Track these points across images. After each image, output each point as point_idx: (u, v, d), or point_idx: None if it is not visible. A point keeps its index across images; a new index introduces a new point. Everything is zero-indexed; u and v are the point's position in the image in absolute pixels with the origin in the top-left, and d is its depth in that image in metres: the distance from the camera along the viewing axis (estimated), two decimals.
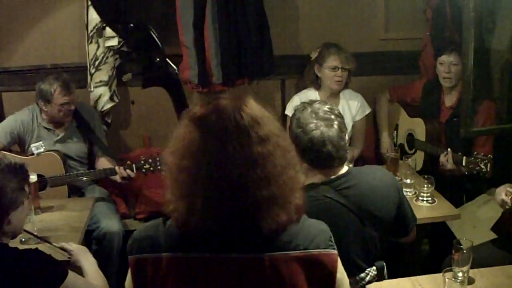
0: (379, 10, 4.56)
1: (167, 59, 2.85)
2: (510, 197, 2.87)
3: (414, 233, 2.65)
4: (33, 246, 2.41)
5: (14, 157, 3.42)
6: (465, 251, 2.31)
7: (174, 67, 2.88)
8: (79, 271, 2.50)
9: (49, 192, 3.65)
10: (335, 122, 2.35)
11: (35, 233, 2.85)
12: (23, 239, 2.84)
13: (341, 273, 1.72)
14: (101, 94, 4.12)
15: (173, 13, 4.00)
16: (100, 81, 4.09)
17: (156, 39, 2.81)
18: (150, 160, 3.65)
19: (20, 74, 4.24)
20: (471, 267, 2.34)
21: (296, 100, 4.07)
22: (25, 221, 2.46)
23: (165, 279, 1.61)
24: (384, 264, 2.49)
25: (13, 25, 4.19)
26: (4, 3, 4.14)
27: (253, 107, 1.60)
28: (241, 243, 1.58)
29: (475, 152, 3.42)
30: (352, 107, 4.11)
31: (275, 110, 4.54)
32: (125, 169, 3.65)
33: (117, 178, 3.71)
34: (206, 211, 1.53)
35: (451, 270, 2.31)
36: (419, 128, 4.07)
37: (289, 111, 4.09)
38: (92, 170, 3.82)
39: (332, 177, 2.37)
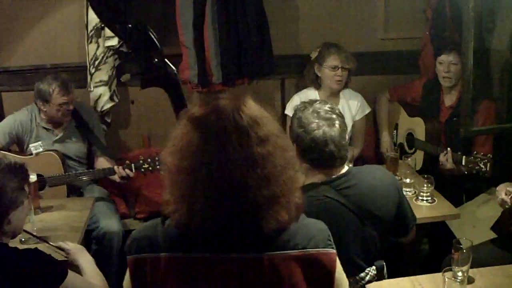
0: (379, 9, 4.56)
1: (165, 60, 2.84)
2: (509, 197, 2.87)
3: (414, 233, 2.66)
4: (32, 246, 2.41)
5: (13, 157, 3.42)
6: (464, 251, 2.32)
7: (173, 67, 2.88)
8: (77, 270, 2.50)
9: (48, 192, 3.65)
10: (337, 122, 2.35)
11: (34, 233, 2.85)
12: (23, 239, 2.84)
13: (340, 273, 1.72)
14: (101, 94, 4.12)
15: (172, 13, 4.00)
16: (100, 81, 4.09)
17: (155, 39, 2.80)
18: (149, 160, 3.65)
19: (20, 74, 4.24)
20: (471, 267, 2.34)
21: (296, 100, 4.07)
22: (25, 221, 2.46)
23: (164, 279, 1.61)
24: (384, 263, 2.49)
25: (13, 25, 4.19)
26: (4, 3, 4.14)
27: (252, 107, 1.60)
28: (241, 243, 1.58)
29: (475, 152, 3.42)
30: (352, 107, 4.11)
31: (275, 110, 4.55)
32: (124, 169, 3.65)
33: (116, 177, 3.71)
34: (206, 211, 1.53)
35: (450, 270, 2.31)
36: (418, 127, 4.08)
37: (289, 111, 4.10)
38: (91, 170, 3.82)
39: (332, 177, 2.37)
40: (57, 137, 3.84)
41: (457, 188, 3.88)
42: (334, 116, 2.37)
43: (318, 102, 2.44)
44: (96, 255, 3.49)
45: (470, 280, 2.37)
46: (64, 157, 3.78)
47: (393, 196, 2.44)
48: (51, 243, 2.74)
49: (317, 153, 2.32)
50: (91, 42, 4.03)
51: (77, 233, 3.01)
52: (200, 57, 4.01)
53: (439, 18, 4.30)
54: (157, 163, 3.62)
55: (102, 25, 3.92)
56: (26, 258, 2.19)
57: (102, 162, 3.92)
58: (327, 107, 2.40)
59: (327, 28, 4.50)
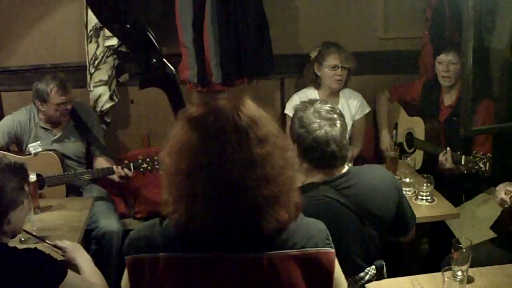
0: (379, 9, 4.56)
1: (164, 60, 2.84)
2: (509, 196, 2.87)
3: (414, 232, 2.66)
4: (32, 246, 2.41)
5: (12, 157, 3.42)
6: (464, 250, 2.32)
7: (172, 68, 2.88)
8: (75, 268, 2.50)
9: (47, 192, 3.65)
10: (338, 122, 2.36)
11: (34, 233, 2.85)
12: (22, 239, 2.84)
13: (338, 273, 1.72)
14: (100, 94, 4.12)
15: (172, 12, 4.00)
16: (100, 81, 4.09)
17: (153, 39, 2.79)
18: (148, 159, 3.65)
19: (20, 74, 4.24)
20: (471, 266, 2.34)
21: (295, 99, 4.07)
22: (25, 221, 2.46)
23: (163, 279, 1.61)
24: (384, 263, 2.49)
25: (13, 24, 4.19)
26: (4, 3, 4.14)
27: (250, 107, 1.60)
28: (241, 242, 1.58)
29: (474, 151, 3.42)
30: (351, 106, 4.11)
31: (275, 110, 4.55)
32: (122, 168, 3.65)
33: (115, 177, 3.71)
34: (206, 211, 1.52)
35: (450, 269, 2.31)
36: (418, 127, 4.08)
37: (288, 110, 4.10)
38: (90, 170, 3.82)
39: (333, 176, 2.37)
40: (56, 137, 3.84)
41: (456, 187, 3.87)
42: (335, 116, 2.37)
43: (318, 102, 2.43)
44: (96, 255, 3.50)
45: (470, 280, 2.37)
46: (63, 157, 3.78)
47: (393, 195, 2.44)
48: (48, 242, 2.74)
49: (319, 153, 2.32)
50: (90, 41, 4.03)
51: (77, 232, 3.01)
52: (200, 57, 4.01)
53: (438, 17, 4.30)
54: (156, 162, 3.62)
55: (102, 25, 3.92)
56: (25, 258, 2.19)
57: (101, 162, 3.92)
58: (328, 106, 2.40)
59: (327, 27, 4.50)
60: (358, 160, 4.14)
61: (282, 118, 4.31)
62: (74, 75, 4.21)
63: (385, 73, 4.66)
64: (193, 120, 1.58)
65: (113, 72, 4.13)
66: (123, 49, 4.04)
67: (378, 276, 2.46)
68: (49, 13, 4.20)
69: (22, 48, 4.25)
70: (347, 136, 2.43)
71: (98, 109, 4.16)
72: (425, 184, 3.32)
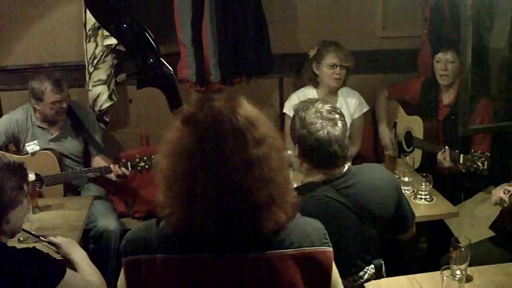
0: (377, 8, 4.56)
1: (162, 60, 2.84)
2: (508, 195, 2.88)
3: (413, 230, 2.66)
4: (31, 245, 2.41)
5: (10, 157, 3.43)
6: (463, 249, 2.32)
7: (169, 67, 2.88)
8: (70, 264, 2.50)
9: (44, 191, 3.65)
10: (339, 121, 2.36)
11: (33, 232, 2.85)
12: (21, 238, 2.83)
13: (335, 272, 1.72)
14: (99, 93, 4.12)
15: (171, 11, 3.99)
16: (99, 80, 4.09)
17: (151, 39, 2.79)
18: (145, 158, 3.64)
19: (18, 73, 4.24)
20: (469, 265, 2.35)
21: (294, 99, 4.07)
22: (24, 220, 2.46)
23: (160, 281, 1.60)
24: (382, 262, 2.49)
25: (11, 24, 4.18)
26: (3, 2, 4.13)
27: (247, 108, 1.59)
28: (240, 243, 1.57)
29: (472, 150, 3.42)
30: (350, 105, 4.11)
31: (273, 109, 4.56)
32: (120, 167, 3.65)
33: (112, 176, 3.71)
34: (205, 213, 1.52)
35: (449, 268, 2.31)
36: (417, 126, 4.08)
37: (287, 110, 4.09)
38: (87, 169, 3.81)
39: (333, 176, 2.37)
40: (53, 136, 3.84)
41: (455, 186, 3.88)
42: (336, 116, 2.37)
43: (319, 101, 2.43)
44: (94, 254, 3.50)
45: (469, 279, 2.38)
46: (60, 156, 3.78)
47: (392, 194, 2.45)
48: (42, 238, 2.73)
49: (321, 153, 2.33)
50: (89, 41, 4.02)
51: (76, 232, 3.01)
52: (198, 55, 4.01)
53: (437, 16, 4.30)
54: (153, 161, 3.61)
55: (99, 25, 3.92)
56: (24, 257, 2.19)
57: (98, 161, 3.93)
58: (329, 106, 2.40)
59: (326, 26, 4.50)
60: (358, 159, 4.15)
61: (281, 117, 4.31)
62: (73, 74, 4.21)
63: (384, 72, 4.67)
64: (190, 122, 1.56)
65: (112, 72, 4.13)
66: (121, 48, 4.03)
67: (377, 275, 2.46)
68: (48, 13, 4.20)
69: (21, 47, 4.24)
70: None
71: (97, 109, 4.16)
72: (424, 183, 3.32)
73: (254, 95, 4.41)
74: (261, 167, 1.53)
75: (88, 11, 3.91)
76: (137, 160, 3.65)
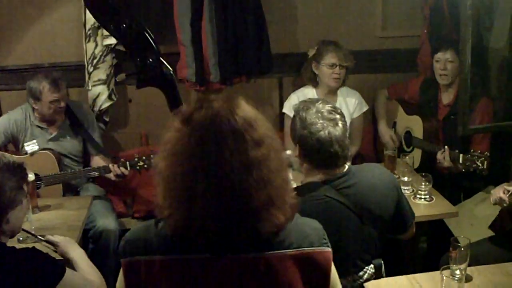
0: (377, 8, 4.56)
1: (161, 59, 2.83)
2: (507, 195, 2.88)
3: (413, 229, 2.66)
4: (30, 245, 2.41)
5: (10, 157, 3.43)
6: (462, 249, 2.32)
7: (169, 67, 2.87)
8: (68, 262, 2.50)
9: (43, 191, 3.64)
10: (340, 122, 2.36)
11: (33, 232, 2.85)
12: (21, 238, 2.83)
13: (334, 273, 1.72)
14: (99, 93, 4.12)
15: (171, 11, 3.99)
16: (98, 80, 4.09)
17: (151, 39, 2.78)
18: (144, 158, 3.64)
19: (18, 73, 4.24)
20: (469, 265, 2.35)
21: (293, 99, 4.07)
22: (23, 220, 2.46)
23: (159, 282, 1.60)
24: (382, 262, 2.49)
25: (11, 24, 4.18)
26: (3, 2, 4.13)
27: (245, 109, 1.58)
28: (239, 244, 1.57)
29: (472, 150, 3.42)
30: (349, 104, 4.11)
31: (273, 108, 4.56)
32: (119, 167, 3.65)
33: (111, 176, 3.71)
34: (205, 215, 1.51)
35: (449, 268, 2.31)
36: (416, 126, 4.08)
37: (286, 109, 4.09)
38: (86, 168, 3.82)
39: (333, 176, 2.37)
40: (52, 136, 3.84)
41: (455, 186, 3.88)
42: (337, 116, 2.37)
43: (320, 102, 2.43)
44: (93, 254, 3.50)
45: (468, 278, 2.38)
46: (59, 156, 3.78)
47: (392, 194, 2.45)
48: (40, 237, 2.73)
49: (322, 153, 2.33)
50: (89, 41, 4.02)
51: (75, 232, 3.01)
52: (198, 55, 4.01)
53: (436, 16, 4.30)
54: (151, 160, 3.61)
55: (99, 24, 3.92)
56: (24, 257, 2.19)
57: (97, 161, 3.93)
58: (329, 106, 2.40)
59: (325, 26, 4.50)
60: (357, 159, 4.15)
61: (281, 117, 4.31)
62: (73, 74, 4.22)
63: (383, 72, 4.66)
64: (189, 123, 1.55)
65: (112, 71, 4.13)
66: (121, 48, 4.03)
67: (377, 275, 2.46)
68: (48, 13, 4.20)
69: (21, 47, 4.24)
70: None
71: (96, 108, 4.16)
72: (423, 183, 3.32)
73: (254, 95, 4.42)
74: (260, 168, 1.52)
75: (87, 11, 3.91)
76: (136, 159, 3.65)
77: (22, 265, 2.15)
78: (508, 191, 2.87)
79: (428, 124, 4.01)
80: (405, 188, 3.34)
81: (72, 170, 3.78)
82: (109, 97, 4.15)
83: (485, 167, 3.27)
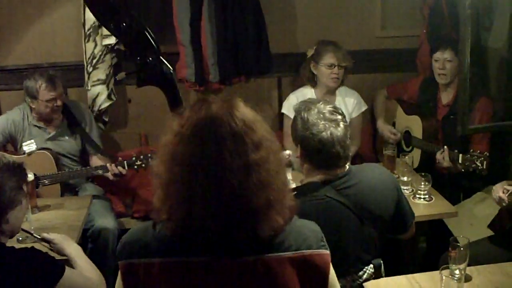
0: (376, 7, 4.56)
1: (161, 58, 2.84)
2: (507, 195, 2.88)
3: (413, 229, 2.66)
4: (29, 245, 2.41)
5: (10, 157, 3.43)
6: (462, 249, 2.32)
7: (169, 66, 2.87)
8: (67, 262, 2.50)
9: (41, 191, 3.64)
10: (341, 122, 2.36)
11: (32, 232, 2.85)
12: (20, 238, 2.83)
13: (332, 274, 1.71)
14: (98, 93, 4.11)
15: (170, 11, 3.99)
16: (98, 80, 4.09)
17: (151, 38, 2.79)
18: (142, 157, 3.64)
19: (17, 73, 4.23)
20: (468, 265, 2.35)
21: (292, 99, 4.07)
22: (23, 220, 2.46)
23: (158, 284, 1.59)
24: (381, 261, 2.49)
25: (10, 24, 4.18)
26: (2, 2, 4.13)
27: (244, 111, 1.57)
28: (238, 246, 1.56)
29: (471, 150, 3.42)
30: (348, 104, 4.10)
31: (272, 108, 4.56)
32: (116, 166, 3.65)
33: (109, 175, 3.71)
34: (203, 217, 1.50)
35: (448, 268, 2.31)
36: (416, 125, 4.08)
37: (285, 110, 4.10)
38: (84, 168, 3.82)
39: (333, 176, 2.37)
40: (50, 135, 3.84)
41: (454, 186, 3.88)
42: (339, 116, 2.37)
43: (321, 102, 2.43)
44: (92, 254, 3.50)
45: (468, 278, 2.38)
46: (57, 155, 3.78)
47: (392, 194, 2.45)
48: (35, 235, 2.73)
49: (324, 154, 2.32)
50: (88, 40, 4.02)
51: (75, 231, 3.02)
52: (197, 55, 4.01)
53: (435, 16, 4.30)
54: (149, 160, 3.61)
55: (100, 24, 3.91)
56: (23, 257, 2.19)
57: (96, 161, 3.93)
58: (330, 107, 2.39)
59: (325, 26, 4.50)
60: (357, 159, 4.15)
61: (280, 117, 4.31)
62: (72, 74, 4.22)
63: (382, 72, 4.66)
64: (188, 126, 1.54)
65: (111, 71, 4.13)
66: (121, 47, 4.04)
67: (376, 275, 2.46)
68: (47, 13, 4.19)
69: (20, 47, 4.24)
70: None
71: (96, 108, 4.16)
72: (423, 183, 3.33)
73: (253, 94, 4.42)
74: (259, 171, 1.52)
75: (87, 11, 3.91)
76: (134, 159, 3.64)
77: (21, 265, 2.15)
78: (508, 191, 2.87)
79: (427, 124, 4.01)
80: (405, 188, 3.33)
81: (70, 170, 3.78)
82: (109, 97, 4.15)
83: (484, 167, 3.27)
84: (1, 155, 3.47)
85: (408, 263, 3.44)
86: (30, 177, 3.00)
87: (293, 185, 2.63)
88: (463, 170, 3.46)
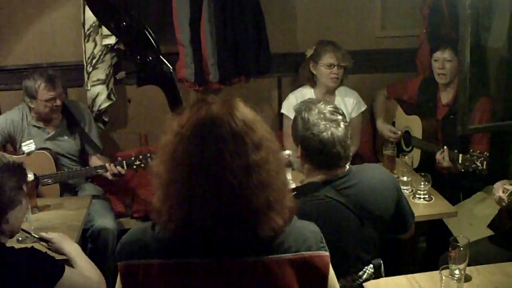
0: (376, 7, 4.56)
1: (161, 58, 2.83)
2: (507, 194, 2.88)
3: (413, 229, 2.66)
4: (29, 245, 2.41)
5: (10, 157, 3.43)
6: (462, 249, 2.32)
7: (169, 65, 2.87)
8: (67, 262, 2.49)
9: (41, 191, 3.63)
10: (342, 122, 2.36)
11: (33, 233, 2.85)
12: (20, 238, 2.83)
13: (332, 275, 1.71)
14: (98, 93, 4.11)
15: (169, 11, 4.00)
16: (98, 80, 4.08)
17: (151, 37, 2.79)
18: (141, 157, 3.64)
19: (17, 73, 4.23)
20: (468, 264, 2.35)
21: (291, 99, 4.07)
22: (23, 220, 2.46)
23: (158, 285, 1.59)
24: (381, 261, 2.49)
25: (10, 24, 4.18)
26: (2, 2, 4.13)
27: (244, 111, 1.57)
28: (238, 247, 1.56)
29: (471, 150, 3.42)
30: (348, 104, 4.10)
31: (272, 108, 4.55)
32: (115, 166, 3.65)
33: (108, 175, 3.71)
34: (203, 218, 1.50)
35: (448, 268, 2.31)
36: (415, 125, 4.08)
37: (285, 110, 4.10)
38: (83, 168, 3.82)
39: (334, 176, 2.37)
40: (49, 135, 3.84)
41: (454, 186, 3.88)
42: (339, 117, 2.37)
43: (321, 102, 2.43)
44: (92, 254, 3.50)
45: (467, 278, 2.38)
46: (56, 155, 3.78)
47: (392, 194, 2.45)
48: (33, 234, 2.73)
49: (325, 154, 2.32)
50: (88, 40, 4.02)
51: (74, 231, 3.02)
52: (197, 55, 4.01)
53: (435, 15, 4.30)
54: (149, 160, 3.61)
55: (99, 24, 3.91)
56: (22, 257, 2.19)
57: (95, 161, 3.93)
58: (331, 107, 2.39)
59: (325, 26, 4.50)
60: (356, 159, 4.14)
61: (280, 117, 4.31)
62: (72, 74, 4.22)
63: (382, 72, 4.66)
64: (188, 127, 1.54)
65: (111, 71, 4.13)
66: (121, 46, 4.03)
67: (376, 275, 2.46)
68: (47, 12, 4.19)
69: (20, 47, 4.24)
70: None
71: (96, 108, 4.16)
72: (422, 183, 3.33)
73: (253, 95, 4.42)
74: (260, 171, 1.52)
75: (86, 11, 3.91)
76: (133, 158, 3.64)
77: (21, 265, 2.15)
78: (508, 190, 2.87)
79: (427, 123, 4.01)
80: (404, 188, 3.34)
81: (69, 170, 3.78)
82: (108, 97, 4.15)
83: (484, 167, 3.27)
84: (1, 155, 3.46)
85: (408, 263, 3.44)
86: (30, 177, 3.00)
87: (293, 185, 2.63)
88: (463, 170, 3.47)
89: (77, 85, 4.22)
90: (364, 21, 4.58)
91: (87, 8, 3.88)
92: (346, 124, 2.39)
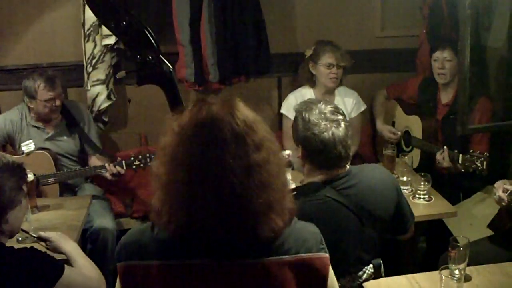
0: (376, 7, 4.57)
1: (161, 57, 2.84)
2: (507, 194, 2.87)
3: (413, 230, 2.66)
4: (29, 245, 2.41)
5: (10, 157, 3.42)
6: (461, 249, 2.32)
7: (169, 65, 2.87)
8: (67, 261, 2.49)
9: (40, 191, 3.63)
10: (342, 122, 2.36)
11: (31, 232, 2.84)
12: (20, 238, 2.83)
13: (332, 277, 1.71)
14: (98, 93, 4.11)
15: (169, 11, 3.99)
16: (97, 80, 4.08)
17: (150, 37, 2.79)
18: (140, 157, 3.64)
19: (17, 73, 4.23)
20: (468, 264, 2.35)
21: (291, 99, 4.07)
22: (22, 220, 2.46)
23: (157, 286, 1.58)
24: (381, 261, 2.49)
25: (10, 23, 4.18)
26: (2, 2, 4.12)
27: (244, 112, 1.57)
28: (238, 249, 1.56)
29: (471, 150, 3.42)
30: (347, 104, 4.10)
31: (272, 108, 4.55)
32: (115, 166, 3.65)
33: (107, 175, 3.71)
34: (204, 219, 1.50)
35: (448, 268, 2.31)
36: (415, 125, 4.08)
37: (284, 110, 4.10)
38: (82, 168, 3.82)
39: (334, 177, 2.37)
40: (48, 135, 3.84)
41: (454, 186, 3.87)
42: (340, 117, 2.37)
43: (321, 102, 2.43)
44: (92, 254, 3.49)
45: (467, 278, 2.38)
46: (56, 156, 3.78)
47: (392, 195, 2.45)
48: (31, 234, 2.73)
49: (325, 154, 2.32)
50: (88, 40, 4.02)
51: (74, 232, 3.02)
52: (197, 55, 4.01)
53: (435, 15, 4.30)
54: (148, 160, 3.61)
55: (100, 24, 3.91)
56: (22, 257, 2.19)
57: (95, 161, 3.93)
58: (331, 107, 2.39)
59: (324, 26, 4.50)
60: (356, 159, 4.14)
61: (279, 117, 4.31)
62: (72, 74, 4.22)
63: (382, 72, 4.66)
64: (188, 128, 1.53)
65: (111, 71, 4.13)
66: (121, 46, 4.03)
67: (376, 275, 2.46)
68: (47, 12, 4.19)
69: (20, 47, 4.24)
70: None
71: (95, 108, 4.16)
72: (422, 183, 3.33)
73: (253, 95, 4.42)
74: (261, 172, 1.51)
75: (86, 11, 3.91)
76: (132, 158, 3.64)
77: (21, 265, 2.15)
78: (508, 190, 2.87)
79: (427, 123, 4.01)
80: (404, 188, 3.33)
81: (69, 170, 3.78)
82: (108, 97, 4.15)
83: (484, 167, 3.27)
84: (1, 155, 3.46)
85: (408, 263, 3.44)
86: (30, 177, 3.00)
87: (293, 185, 2.63)
88: (463, 170, 3.47)
89: (77, 85, 4.22)
90: (364, 21, 4.58)
91: (87, 8, 3.88)
92: (347, 124, 2.39)
